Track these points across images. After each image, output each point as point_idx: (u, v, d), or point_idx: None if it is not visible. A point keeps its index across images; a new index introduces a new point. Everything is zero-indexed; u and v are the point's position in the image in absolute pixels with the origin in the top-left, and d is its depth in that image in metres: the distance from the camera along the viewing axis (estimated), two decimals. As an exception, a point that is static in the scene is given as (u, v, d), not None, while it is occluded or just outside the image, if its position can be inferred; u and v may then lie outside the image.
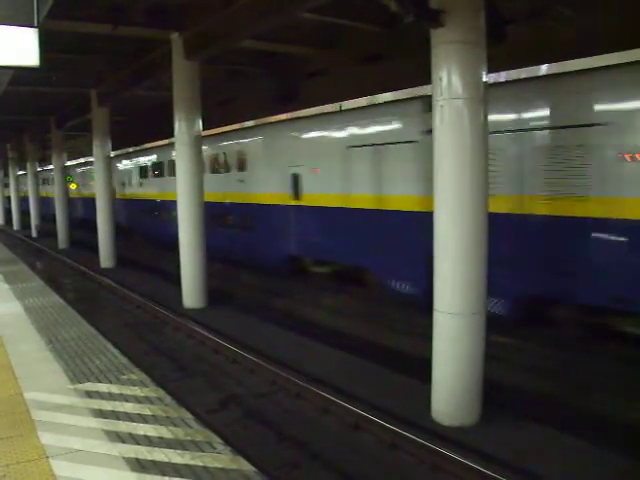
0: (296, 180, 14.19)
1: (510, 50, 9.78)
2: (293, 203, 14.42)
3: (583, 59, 9.51)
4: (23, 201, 38.40)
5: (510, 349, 9.39)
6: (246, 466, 4.90)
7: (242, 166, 16.78)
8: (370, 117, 12.38)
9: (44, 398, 6.23)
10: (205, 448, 5.20)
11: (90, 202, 24.98)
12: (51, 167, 30.38)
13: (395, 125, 11.71)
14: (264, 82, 16.78)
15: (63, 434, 5.34)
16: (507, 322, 9.59)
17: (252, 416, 7.70)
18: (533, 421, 7.06)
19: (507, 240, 9.26)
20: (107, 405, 6.11)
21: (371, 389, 8.21)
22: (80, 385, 6.67)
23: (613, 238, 8.47)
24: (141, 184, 24.46)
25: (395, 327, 11.29)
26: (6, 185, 42.59)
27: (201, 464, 4.87)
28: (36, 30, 7.18)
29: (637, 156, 7.95)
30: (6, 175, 42.21)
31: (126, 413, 5.92)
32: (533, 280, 9.31)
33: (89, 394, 6.40)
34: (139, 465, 4.81)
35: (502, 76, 11.80)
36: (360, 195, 12.38)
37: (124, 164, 26.49)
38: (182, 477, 4.66)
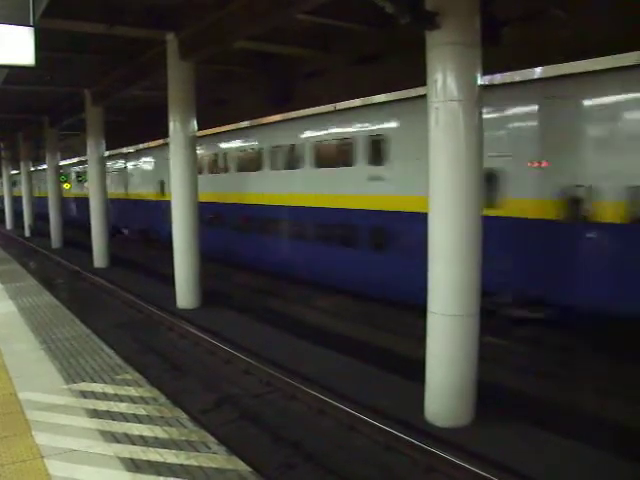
0: None
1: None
2: None
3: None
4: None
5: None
6: (241, 466, 4.90)
7: None
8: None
9: (38, 398, 6.21)
10: (200, 448, 5.19)
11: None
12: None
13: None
14: (259, 83, 16.80)
15: (58, 434, 5.33)
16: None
17: (247, 416, 7.70)
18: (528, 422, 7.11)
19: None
20: (102, 405, 6.09)
21: (365, 390, 8.23)
22: (75, 385, 6.65)
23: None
24: None
25: (388, 328, 11.31)
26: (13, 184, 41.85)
27: (196, 464, 4.87)
28: (31, 29, 7.15)
29: None
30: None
31: (121, 413, 5.91)
32: None
33: (84, 394, 6.38)
34: (134, 465, 4.80)
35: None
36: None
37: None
38: (177, 477, 4.65)
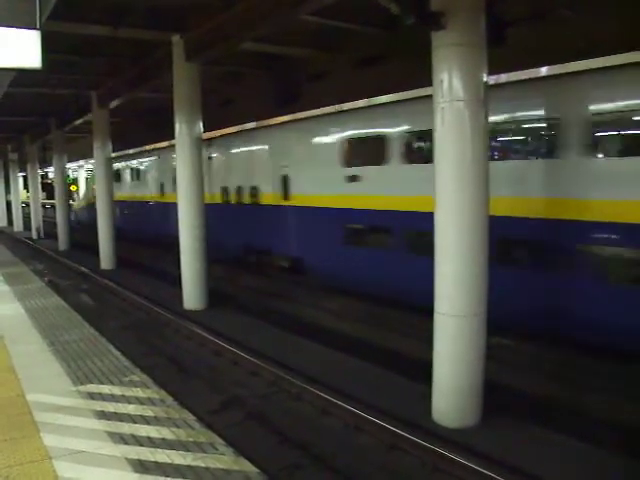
0: None
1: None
2: None
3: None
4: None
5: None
6: (248, 467, 4.91)
7: None
8: None
9: (47, 399, 6.24)
10: (207, 449, 5.20)
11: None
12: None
13: None
14: (265, 84, 16.84)
15: (66, 435, 5.35)
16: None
17: (253, 417, 7.71)
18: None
19: None
20: (110, 407, 6.11)
21: (372, 390, 8.22)
22: (82, 387, 6.68)
23: None
24: None
25: (395, 329, 11.30)
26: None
27: (203, 465, 4.88)
28: (38, 32, 7.20)
29: None
30: (7, 177, 42.13)
31: (128, 414, 5.93)
32: None
33: (92, 396, 6.40)
34: (141, 466, 4.82)
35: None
36: None
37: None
38: (184, 478, 4.66)
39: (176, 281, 14.39)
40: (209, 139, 18.07)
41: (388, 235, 12.21)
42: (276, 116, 16.12)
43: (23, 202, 40.98)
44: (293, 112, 15.44)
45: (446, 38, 6.77)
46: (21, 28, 7.13)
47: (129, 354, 8.45)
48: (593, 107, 8.73)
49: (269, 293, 15.21)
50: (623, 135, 8.98)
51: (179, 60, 13.14)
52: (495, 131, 9.54)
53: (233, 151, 18.25)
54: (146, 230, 24.58)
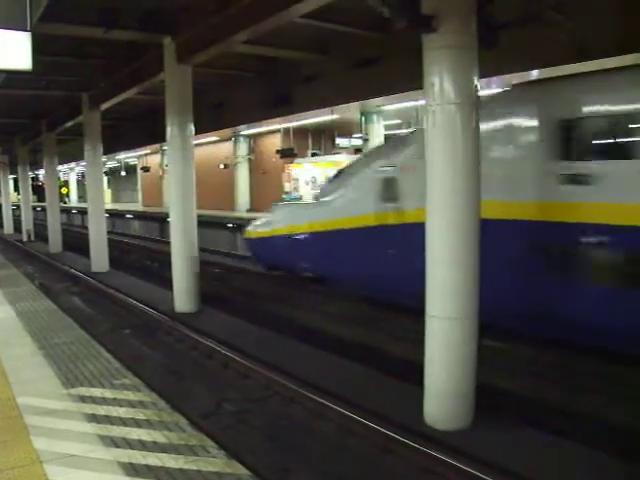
0: None
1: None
2: None
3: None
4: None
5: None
6: (241, 470, 4.90)
7: None
8: None
9: (37, 403, 6.19)
10: (199, 452, 5.18)
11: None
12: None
13: None
14: (258, 86, 16.84)
15: (57, 439, 5.31)
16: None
17: (245, 420, 7.69)
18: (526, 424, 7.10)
19: None
20: (101, 410, 6.08)
21: (365, 393, 8.21)
22: (73, 390, 6.64)
23: None
24: None
25: (389, 332, 11.30)
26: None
27: (195, 468, 4.86)
28: (28, 33, 7.19)
29: None
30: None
31: (120, 418, 5.90)
32: None
33: (82, 399, 6.37)
34: (133, 470, 4.79)
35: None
36: None
37: None
38: (176, 481, 4.65)
39: (168, 283, 14.34)
40: None
41: None
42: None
43: (13, 204, 40.79)
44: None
45: (437, 41, 6.77)
46: (11, 30, 7.12)
47: (120, 357, 8.42)
48: None
49: (263, 295, 15.18)
50: None
51: (170, 62, 13.12)
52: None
53: None
54: None
